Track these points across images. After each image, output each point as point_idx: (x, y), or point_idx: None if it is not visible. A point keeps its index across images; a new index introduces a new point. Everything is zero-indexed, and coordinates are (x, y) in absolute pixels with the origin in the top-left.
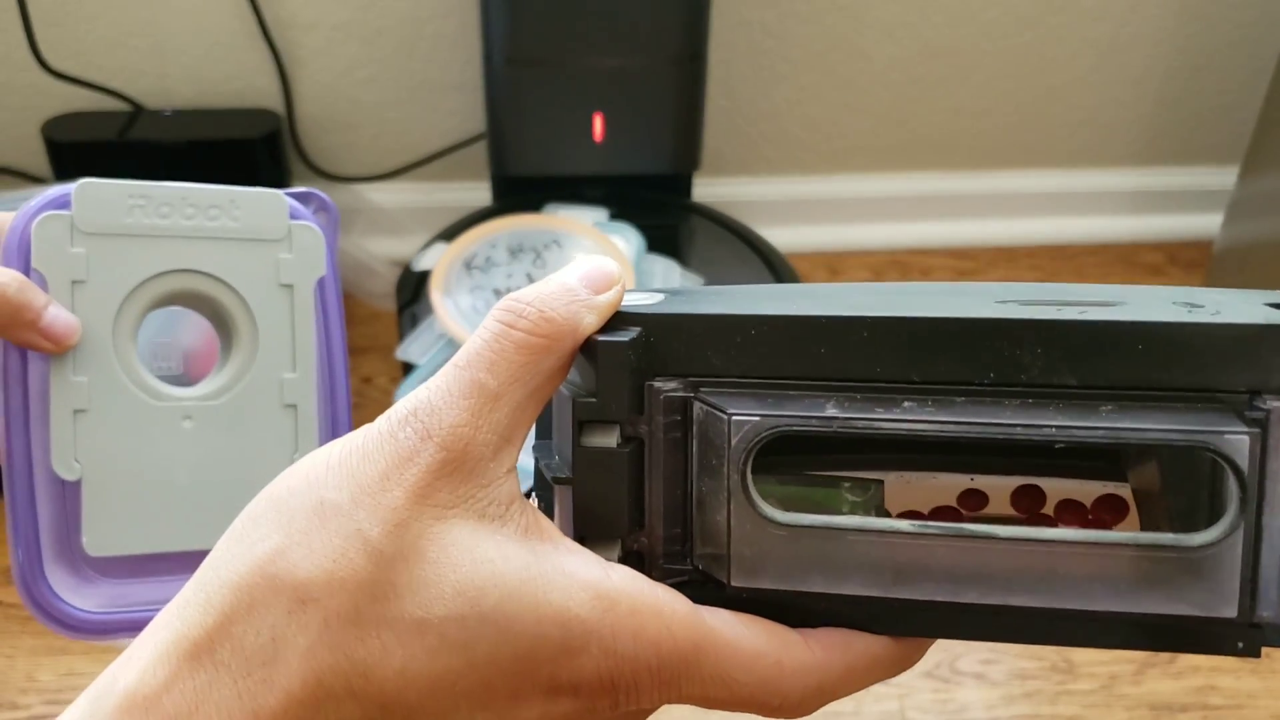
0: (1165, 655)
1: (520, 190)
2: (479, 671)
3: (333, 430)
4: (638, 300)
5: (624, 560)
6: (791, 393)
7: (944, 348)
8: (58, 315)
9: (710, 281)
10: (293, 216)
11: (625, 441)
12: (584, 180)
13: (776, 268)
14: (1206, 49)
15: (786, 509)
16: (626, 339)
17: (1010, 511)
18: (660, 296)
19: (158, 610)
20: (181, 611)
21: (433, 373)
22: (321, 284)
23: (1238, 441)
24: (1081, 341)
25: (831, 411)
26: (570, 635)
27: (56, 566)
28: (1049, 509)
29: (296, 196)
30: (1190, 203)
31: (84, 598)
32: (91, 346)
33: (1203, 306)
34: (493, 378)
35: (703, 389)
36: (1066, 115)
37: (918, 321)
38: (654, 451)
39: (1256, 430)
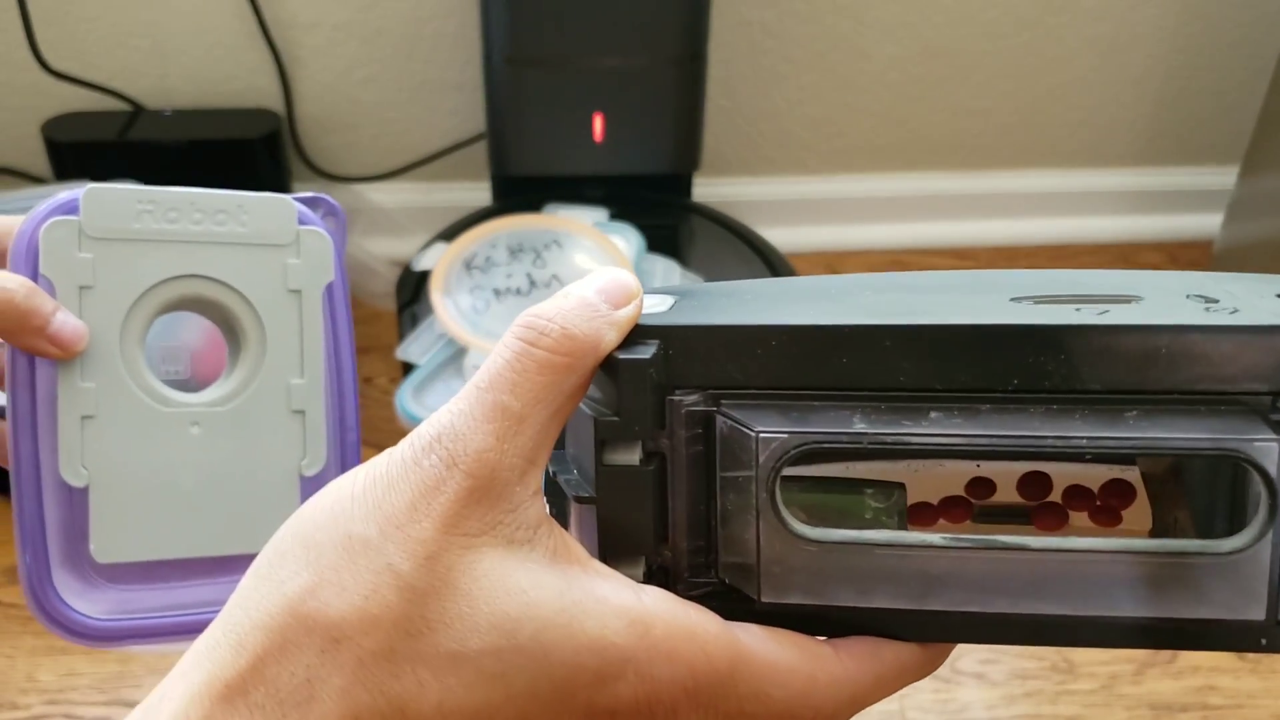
0: (1165, 655)
1: (520, 190)
2: (516, 703)
3: (341, 436)
4: (647, 305)
5: (649, 576)
6: (815, 404)
7: (967, 356)
8: (65, 321)
9: (710, 281)
10: (301, 221)
11: (648, 458)
12: (584, 180)
13: (776, 268)
14: (1206, 49)
15: (810, 518)
16: (648, 356)
17: (1017, 499)
18: (670, 300)
19: (166, 617)
20: (212, 652)
21: (433, 372)
22: (329, 289)
23: (1266, 448)
24: (1104, 347)
25: (860, 426)
26: (607, 662)
27: (64, 573)
28: (1056, 495)
29: (305, 201)
30: (1190, 203)
31: (91, 604)
32: (99, 352)
33: (1217, 300)
34: (516, 399)
35: (724, 402)
36: (1066, 115)
37: (940, 329)
38: (676, 466)
39: None
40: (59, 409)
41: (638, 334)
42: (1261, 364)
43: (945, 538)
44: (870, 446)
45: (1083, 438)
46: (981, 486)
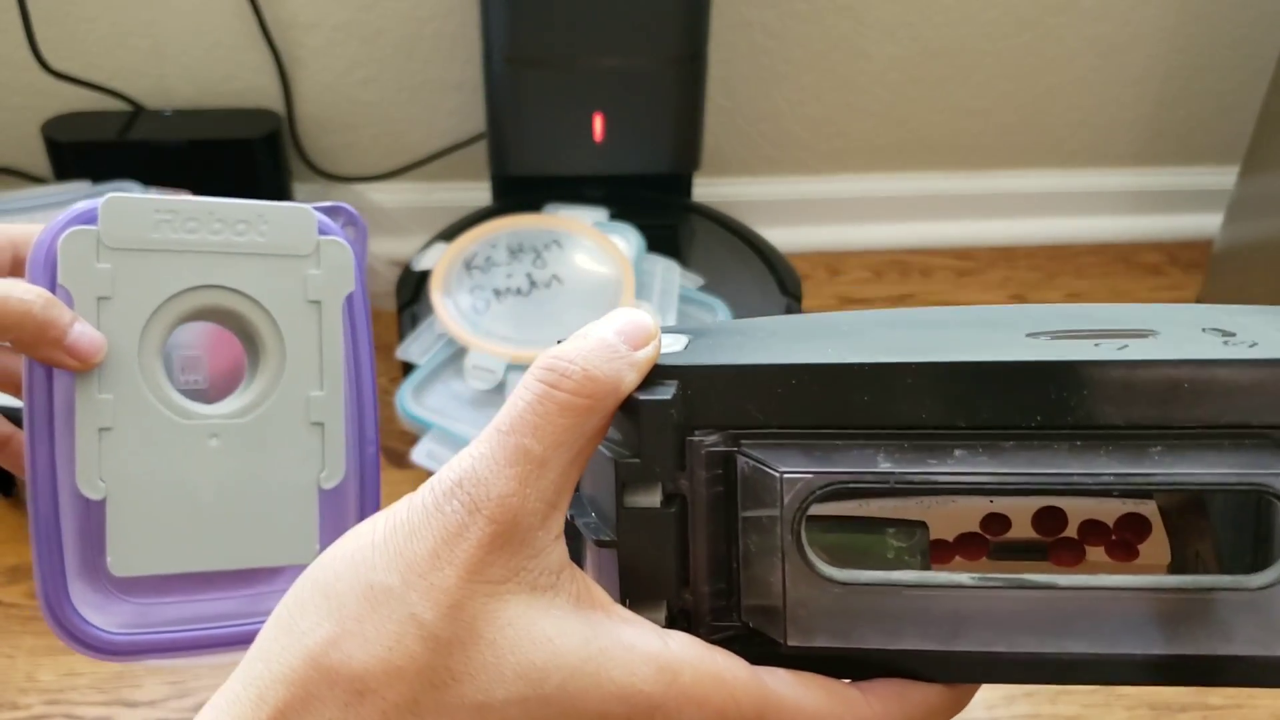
0: None
1: (520, 190)
2: None
3: (360, 448)
4: (663, 345)
5: (671, 620)
6: (838, 443)
7: (990, 393)
8: (83, 332)
9: (711, 282)
10: (321, 232)
11: (668, 500)
12: (584, 180)
13: (776, 268)
14: (1206, 49)
15: (831, 558)
16: (669, 397)
17: (1032, 535)
18: (684, 338)
19: (183, 631)
20: (232, 707)
21: (433, 372)
22: (350, 300)
23: None
24: (1126, 382)
25: (885, 465)
26: (635, 710)
27: (80, 585)
28: (1072, 530)
29: (325, 211)
30: (1190, 203)
31: (108, 617)
32: (117, 363)
33: (1234, 334)
34: (538, 442)
35: (744, 441)
36: (1066, 115)
37: (962, 367)
38: (697, 507)
39: None
40: (76, 421)
41: (656, 374)
42: None
43: (973, 577)
44: (896, 486)
45: (1109, 474)
46: (997, 523)
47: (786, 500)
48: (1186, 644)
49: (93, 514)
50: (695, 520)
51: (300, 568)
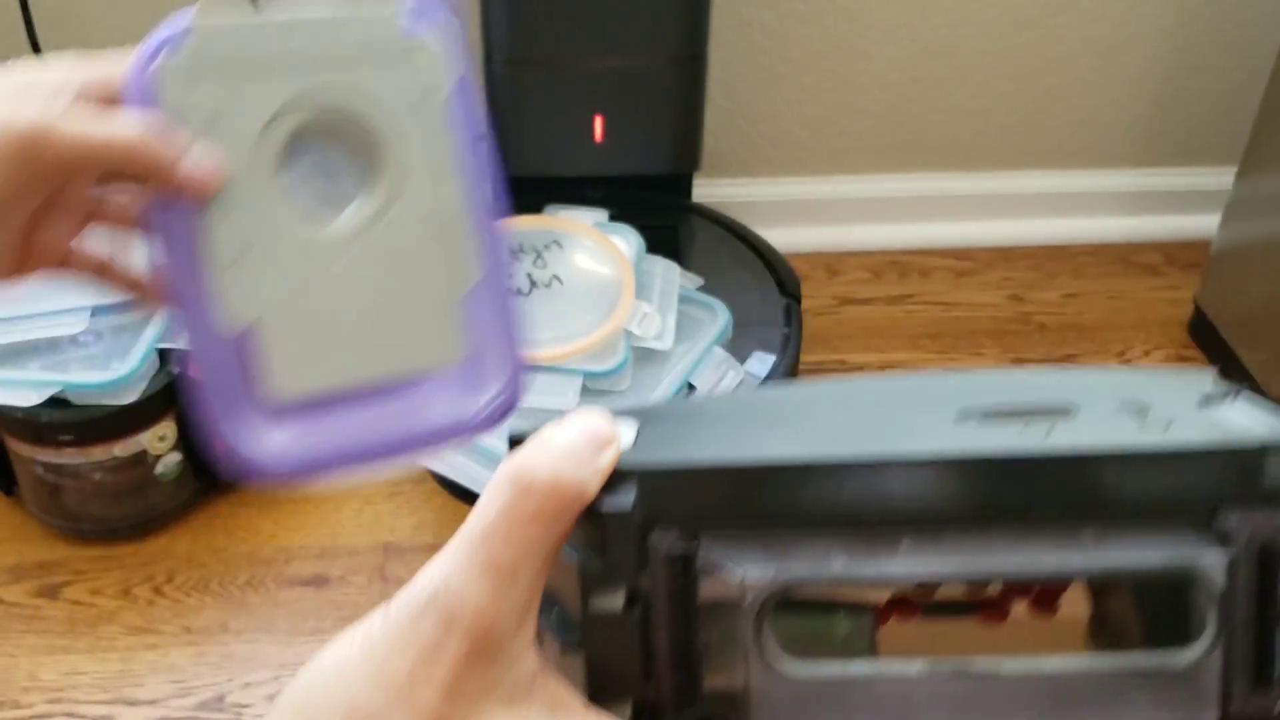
0: None
1: (520, 190)
2: None
3: (491, 244)
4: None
5: (637, 713)
6: (792, 537)
7: (925, 486)
8: (201, 154)
9: (710, 282)
10: (411, 28)
11: (631, 601)
12: (584, 180)
13: (776, 268)
14: (1206, 49)
15: (783, 642)
16: (630, 506)
17: (958, 594)
18: (633, 424)
19: (339, 450)
20: None
21: None
22: (455, 94)
23: (1215, 566)
24: (1052, 473)
25: (838, 566)
26: None
27: (239, 415)
28: (995, 587)
29: (413, 8)
30: (1188, 203)
31: (268, 443)
32: (237, 187)
33: (1149, 408)
34: (508, 552)
35: (702, 536)
36: (1065, 116)
37: (895, 464)
38: (658, 605)
39: (1230, 549)
40: (208, 251)
41: (613, 475)
42: (1199, 481)
43: (921, 668)
44: (846, 580)
45: (1048, 561)
46: (927, 585)
47: (748, 602)
48: (1120, 715)
49: (242, 342)
50: (657, 617)
51: (447, 373)
